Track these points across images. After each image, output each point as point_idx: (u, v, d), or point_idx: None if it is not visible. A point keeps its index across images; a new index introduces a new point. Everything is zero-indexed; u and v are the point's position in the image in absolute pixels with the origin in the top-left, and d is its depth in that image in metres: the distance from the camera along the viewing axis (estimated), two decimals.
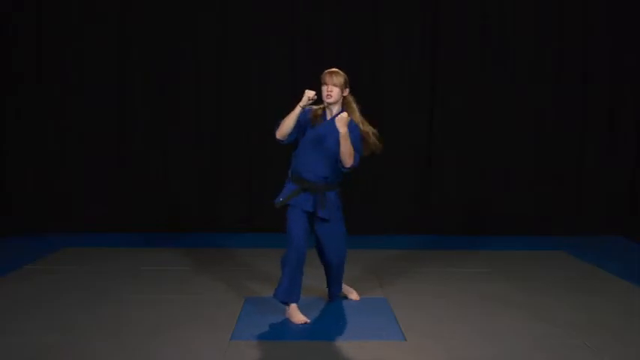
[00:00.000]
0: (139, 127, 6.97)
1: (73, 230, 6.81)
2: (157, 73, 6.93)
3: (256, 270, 5.44)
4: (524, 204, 7.10)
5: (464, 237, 6.93)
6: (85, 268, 5.45)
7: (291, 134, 4.16)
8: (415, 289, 4.96)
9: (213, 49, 6.95)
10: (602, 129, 7.14)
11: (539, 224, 7.11)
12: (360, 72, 6.65)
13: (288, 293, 4.20)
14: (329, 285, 4.60)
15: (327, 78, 4.16)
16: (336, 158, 4.15)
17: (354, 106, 4.25)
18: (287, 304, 4.23)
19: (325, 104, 4.21)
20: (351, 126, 4.10)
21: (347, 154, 4.05)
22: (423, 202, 7.13)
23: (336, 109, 4.22)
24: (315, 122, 4.21)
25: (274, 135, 4.21)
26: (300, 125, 4.18)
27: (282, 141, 4.22)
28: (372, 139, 4.21)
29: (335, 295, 4.64)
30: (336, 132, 4.00)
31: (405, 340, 3.88)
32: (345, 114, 4.01)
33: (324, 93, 4.15)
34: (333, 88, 4.14)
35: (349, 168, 4.15)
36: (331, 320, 4.25)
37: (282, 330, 4.04)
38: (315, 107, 4.26)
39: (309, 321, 4.16)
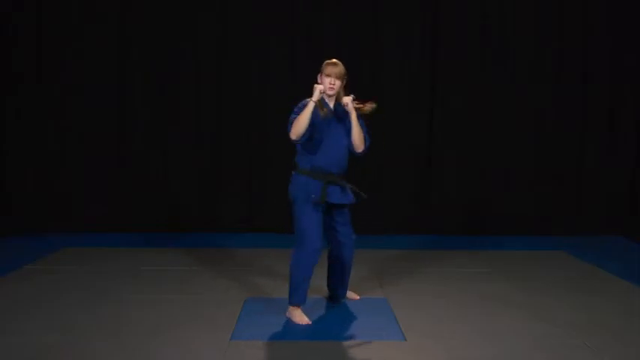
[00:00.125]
0: (139, 127, 6.97)
1: (73, 230, 6.82)
2: (157, 73, 6.93)
3: (256, 270, 5.43)
4: (524, 204, 7.10)
5: (464, 237, 6.94)
6: (85, 268, 5.45)
7: (305, 133, 4.05)
8: (415, 289, 4.96)
9: (213, 49, 6.96)
10: (602, 129, 7.15)
11: (539, 224, 7.12)
12: (360, 72, 6.64)
13: (304, 296, 4.20)
14: (336, 287, 4.57)
15: (330, 69, 4.14)
16: (348, 147, 4.21)
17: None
18: (298, 306, 4.21)
19: (325, 95, 4.17)
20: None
21: (359, 138, 4.15)
22: (423, 202, 7.13)
23: (333, 98, 4.23)
24: (324, 115, 4.16)
25: (288, 136, 4.08)
26: (312, 121, 4.10)
27: (298, 141, 4.09)
28: (367, 107, 4.21)
29: (341, 297, 4.62)
30: (343, 121, 4.10)
31: (405, 340, 3.88)
32: (348, 98, 4.09)
33: (326, 85, 4.14)
34: (336, 81, 4.15)
35: (361, 152, 4.23)
36: (331, 320, 4.25)
37: (282, 330, 4.04)
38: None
39: (310, 322, 4.15)
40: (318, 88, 4.07)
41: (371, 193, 7.10)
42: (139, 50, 6.92)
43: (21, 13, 6.75)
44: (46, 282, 4.99)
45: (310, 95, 4.08)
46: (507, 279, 5.27)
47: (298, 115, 4.04)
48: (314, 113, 4.04)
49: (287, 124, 4.11)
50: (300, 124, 4.01)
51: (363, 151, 4.24)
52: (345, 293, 4.64)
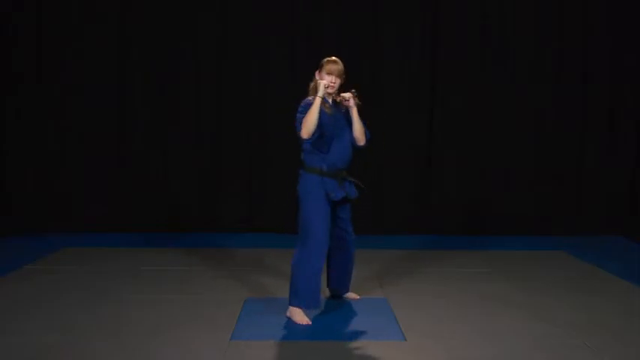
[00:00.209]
0: (139, 127, 6.97)
1: (73, 230, 6.82)
2: (157, 73, 6.93)
3: (256, 270, 5.43)
4: (524, 204, 7.10)
5: (464, 237, 6.94)
6: (85, 268, 5.45)
7: (316, 130, 4.00)
8: (415, 289, 4.96)
9: (213, 49, 6.95)
10: (602, 129, 7.15)
11: (539, 224, 7.12)
12: (360, 72, 6.64)
13: (317, 298, 4.19)
14: (339, 284, 4.58)
15: (331, 67, 4.14)
16: (351, 142, 4.24)
17: None
18: (309, 308, 4.20)
19: (325, 92, 4.14)
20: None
21: (360, 131, 4.19)
22: (423, 202, 7.13)
23: (331, 95, 4.24)
24: (329, 110, 4.15)
25: (299, 136, 4.04)
26: (320, 118, 4.05)
27: (309, 140, 4.05)
28: (356, 99, 4.22)
29: (343, 294, 4.63)
30: (343, 117, 4.15)
31: (405, 340, 3.88)
32: (348, 94, 4.12)
33: (326, 82, 4.13)
34: (337, 80, 4.16)
35: (363, 145, 4.27)
36: (331, 320, 4.24)
37: (282, 330, 4.03)
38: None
39: (310, 322, 4.15)
40: (322, 84, 4.06)
41: (371, 193, 7.13)
42: (139, 50, 6.92)
43: (21, 13, 6.75)
44: (46, 282, 4.99)
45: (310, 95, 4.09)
46: (507, 279, 5.27)
47: (305, 113, 4.01)
48: (320, 110, 4.01)
49: (295, 124, 4.07)
50: (310, 122, 3.97)
51: (365, 144, 4.28)
52: (347, 291, 4.65)
